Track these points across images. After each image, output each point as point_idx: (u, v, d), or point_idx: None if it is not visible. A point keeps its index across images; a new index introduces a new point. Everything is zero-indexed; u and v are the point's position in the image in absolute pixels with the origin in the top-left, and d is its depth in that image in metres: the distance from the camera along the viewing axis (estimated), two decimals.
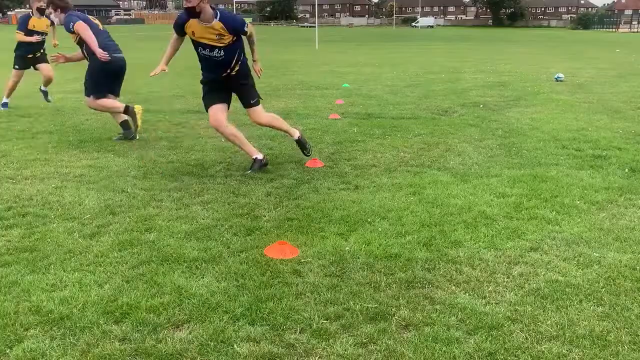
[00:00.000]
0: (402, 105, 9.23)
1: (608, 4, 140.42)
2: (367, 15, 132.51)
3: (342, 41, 37.98)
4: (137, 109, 6.38)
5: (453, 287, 3.02)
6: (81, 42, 6.18)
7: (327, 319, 2.70)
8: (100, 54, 5.96)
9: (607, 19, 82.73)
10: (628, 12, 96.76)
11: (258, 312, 2.75)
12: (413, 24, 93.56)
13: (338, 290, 2.98)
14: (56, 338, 2.54)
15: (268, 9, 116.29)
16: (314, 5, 68.76)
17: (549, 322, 2.68)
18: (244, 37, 5.05)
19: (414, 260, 3.33)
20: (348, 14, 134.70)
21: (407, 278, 3.11)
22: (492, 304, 2.85)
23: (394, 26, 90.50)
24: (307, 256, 3.39)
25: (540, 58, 20.96)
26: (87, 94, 6.34)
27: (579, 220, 4.01)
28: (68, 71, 15.22)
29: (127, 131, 6.55)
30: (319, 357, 2.43)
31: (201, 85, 5.32)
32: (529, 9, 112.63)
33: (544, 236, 3.71)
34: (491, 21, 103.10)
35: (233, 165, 5.46)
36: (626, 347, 2.49)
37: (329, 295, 2.92)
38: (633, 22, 68.90)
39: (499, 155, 5.86)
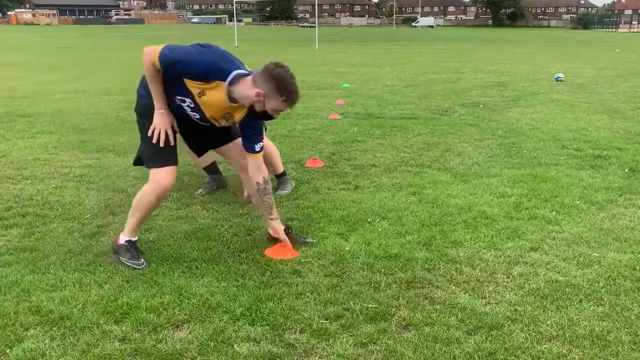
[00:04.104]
0: (402, 105, 9.23)
1: (608, 4, 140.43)
2: (367, 15, 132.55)
3: (342, 41, 37.96)
4: None
5: (453, 287, 3.02)
6: None
7: (327, 319, 2.70)
8: None
9: (607, 19, 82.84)
10: (628, 12, 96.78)
11: (258, 312, 2.74)
12: (413, 24, 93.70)
13: (338, 290, 2.98)
14: (56, 338, 2.53)
15: (268, 9, 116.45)
16: (314, 5, 68.75)
17: (549, 322, 2.68)
18: None
19: (414, 260, 3.33)
20: (348, 14, 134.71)
21: (407, 278, 3.11)
22: (492, 304, 2.85)
23: (394, 26, 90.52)
24: (307, 256, 3.39)
25: (540, 58, 20.96)
26: None
27: (579, 220, 4.01)
28: (68, 72, 15.23)
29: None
30: (319, 357, 2.43)
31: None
32: (529, 9, 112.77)
33: (544, 236, 3.71)
34: (491, 21, 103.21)
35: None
36: (626, 347, 2.49)
37: (329, 295, 2.91)
38: (633, 22, 69.03)
39: (499, 155, 5.86)
